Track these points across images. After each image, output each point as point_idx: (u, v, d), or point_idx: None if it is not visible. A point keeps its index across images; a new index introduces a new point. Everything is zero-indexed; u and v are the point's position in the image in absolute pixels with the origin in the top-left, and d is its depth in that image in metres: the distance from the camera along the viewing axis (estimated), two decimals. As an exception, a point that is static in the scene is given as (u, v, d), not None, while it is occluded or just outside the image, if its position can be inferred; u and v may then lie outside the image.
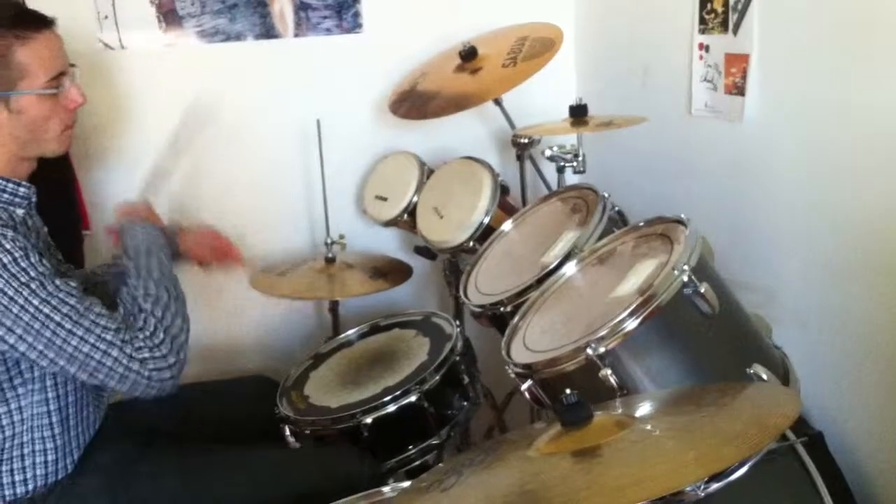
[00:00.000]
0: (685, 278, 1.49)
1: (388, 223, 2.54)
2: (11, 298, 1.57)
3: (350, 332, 2.34)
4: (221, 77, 2.55)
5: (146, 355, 1.66)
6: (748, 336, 1.61)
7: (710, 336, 1.55)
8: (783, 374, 1.58)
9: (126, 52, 2.48)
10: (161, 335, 1.69)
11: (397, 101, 2.55)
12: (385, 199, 2.55)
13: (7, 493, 1.73)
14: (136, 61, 2.49)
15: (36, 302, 1.59)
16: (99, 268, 2.14)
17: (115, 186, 2.52)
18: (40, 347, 1.60)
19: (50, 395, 1.73)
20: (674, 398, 1.43)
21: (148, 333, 1.68)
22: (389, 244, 2.75)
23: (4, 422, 1.70)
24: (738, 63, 2.09)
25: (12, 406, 1.70)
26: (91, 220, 2.48)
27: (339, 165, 2.59)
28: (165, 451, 1.86)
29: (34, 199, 1.79)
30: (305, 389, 2.12)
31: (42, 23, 1.70)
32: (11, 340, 1.59)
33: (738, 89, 2.09)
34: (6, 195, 1.72)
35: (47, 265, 1.63)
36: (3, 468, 1.71)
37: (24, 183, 1.76)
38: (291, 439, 2.00)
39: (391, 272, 2.47)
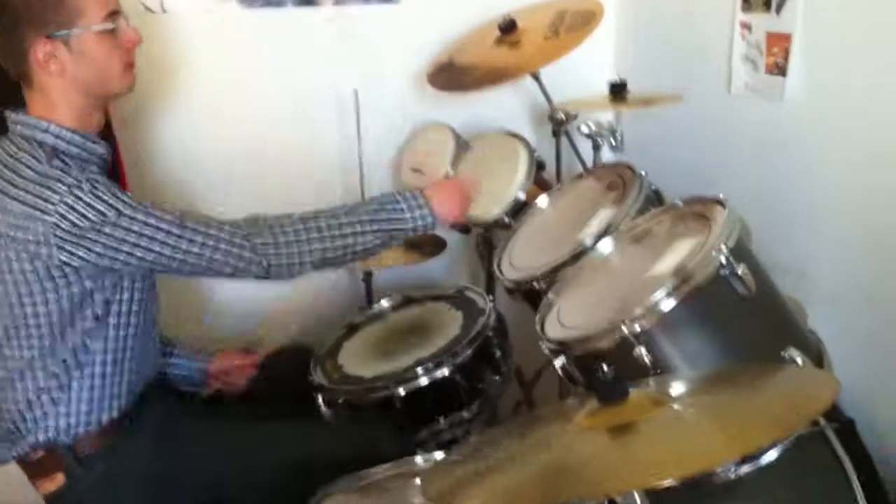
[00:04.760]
0: (723, 259, 1.49)
1: (423, 196, 2.54)
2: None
3: (383, 303, 2.36)
4: (260, 43, 2.56)
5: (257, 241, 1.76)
6: (784, 319, 1.62)
7: (746, 317, 1.55)
8: (817, 359, 1.58)
9: (167, 16, 2.48)
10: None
11: (435, 72, 2.54)
12: (420, 172, 2.55)
13: (47, 435, 1.77)
14: (177, 25, 2.49)
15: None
16: None
17: (152, 148, 2.54)
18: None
19: (109, 343, 1.78)
20: (708, 378, 1.44)
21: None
22: (423, 216, 2.75)
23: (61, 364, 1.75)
24: (780, 42, 2.07)
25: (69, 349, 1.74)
26: (128, 182, 2.50)
27: (376, 136, 2.59)
28: (208, 414, 1.90)
29: (108, 159, 1.82)
30: (339, 359, 2.15)
31: None
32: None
33: (780, 69, 2.08)
34: (85, 153, 1.75)
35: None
36: (43, 413, 1.76)
37: (100, 141, 1.78)
38: (324, 408, 2.02)
39: (425, 245, 2.47)
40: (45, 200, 1.62)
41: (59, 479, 1.80)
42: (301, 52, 2.59)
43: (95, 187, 1.65)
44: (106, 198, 1.65)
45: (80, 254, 1.64)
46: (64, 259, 1.64)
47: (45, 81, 1.73)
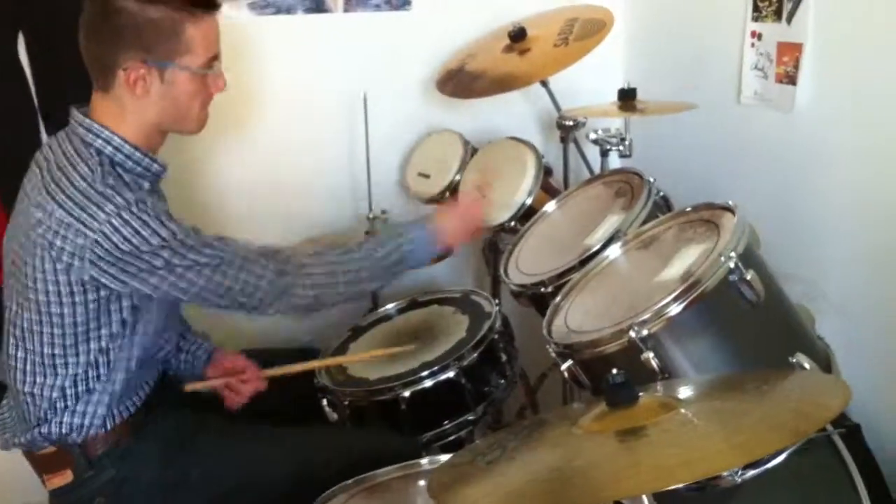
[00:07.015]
0: (731, 265, 1.49)
1: (430, 200, 2.54)
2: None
3: (389, 306, 2.35)
4: (271, 49, 2.57)
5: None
6: (792, 325, 1.61)
7: (754, 324, 1.55)
8: (825, 365, 1.58)
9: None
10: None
11: (444, 79, 2.55)
12: (428, 177, 2.55)
13: (60, 430, 1.76)
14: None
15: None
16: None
17: (163, 154, 2.54)
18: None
19: (135, 350, 1.78)
20: (716, 383, 1.43)
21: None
22: (429, 221, 2.75)
23: (68, 365, 1.75)
24: (790, 52, 2.08)
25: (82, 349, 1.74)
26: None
27: (384, 141, 2.59)
28: (217, 423, 1.90)
29: (163, 176, 1.81)
30: (344, 361, 2.15)
31: (213, 5, 1.73)
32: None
33: (790, 78, 2.08)
34: (140, 168, 1.73)
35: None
36: (59, 408, 1.76)
37: (158, 160, 1.77)
38: (329, 410, 2.02)
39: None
40: (92, 217, 1.62)
41: (67, 476, 1.79)
42: (311, 59, 2.60)
43: (144, 210, 1.64)
44: (152, 224, 1.64)
45: (113, 272, 1.65)
46: (94, 275, 1.64)
47: (123, 97, 1.71)
